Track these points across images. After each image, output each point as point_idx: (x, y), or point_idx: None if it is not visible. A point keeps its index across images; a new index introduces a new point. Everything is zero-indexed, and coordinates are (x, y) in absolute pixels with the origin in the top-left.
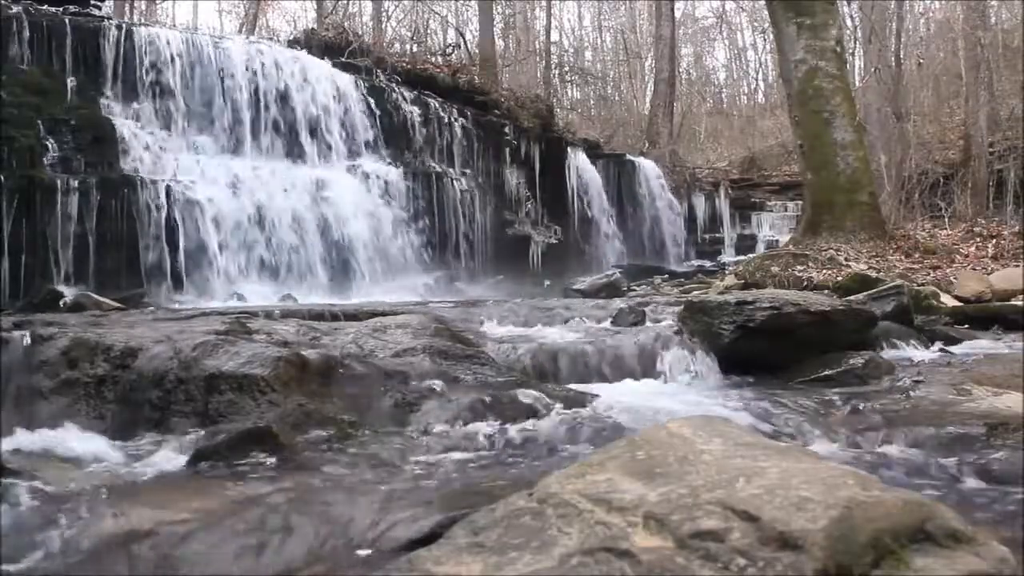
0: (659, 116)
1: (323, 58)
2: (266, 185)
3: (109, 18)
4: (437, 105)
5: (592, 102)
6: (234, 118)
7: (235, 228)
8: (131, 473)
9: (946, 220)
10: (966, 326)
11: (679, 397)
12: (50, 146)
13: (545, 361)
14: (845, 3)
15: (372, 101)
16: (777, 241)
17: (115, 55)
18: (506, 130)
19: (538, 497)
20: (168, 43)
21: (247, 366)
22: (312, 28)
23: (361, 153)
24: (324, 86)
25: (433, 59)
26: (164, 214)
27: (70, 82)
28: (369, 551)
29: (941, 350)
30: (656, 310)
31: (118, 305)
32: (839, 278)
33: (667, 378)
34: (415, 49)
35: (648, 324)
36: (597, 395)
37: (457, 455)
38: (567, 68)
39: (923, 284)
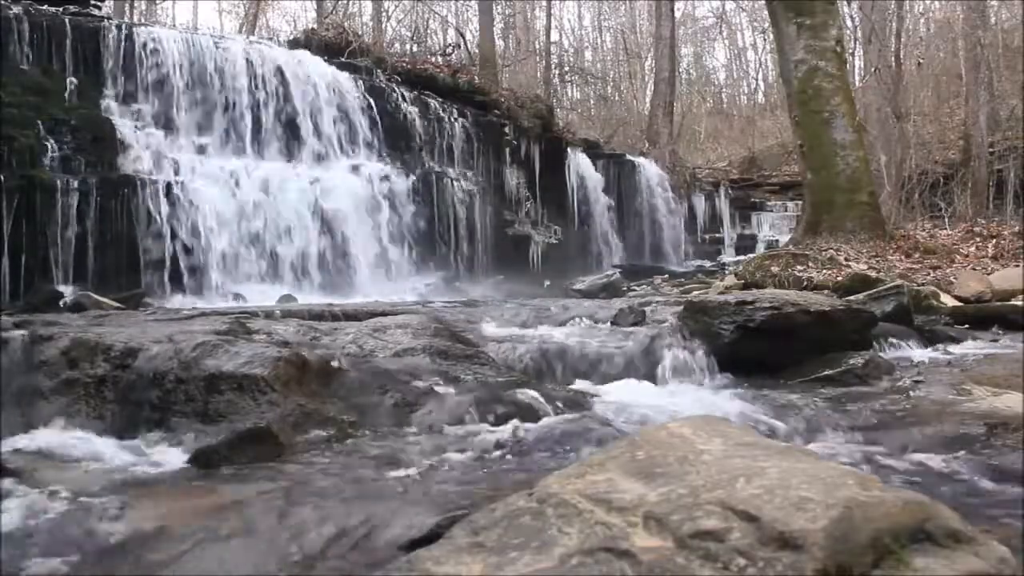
0: (659, 116)
1: (323, 58)
2: (266, 185)
3: (109, 18)
4: (437, 105)
5: (592, 102)
6: (234, 118)
7: (235, 228)
8: (131, 473)
9: (946, 220)
10: (966, 326)
11: (679, 397)
12: (50, 146)
13: (545, 361)
14: (845, 3)
15: (372, 101)
16: (777, 241)
17: (115, 55)
18: (506, 130)
19: (538, 497)
20: (168, 43)
21: (247, 366)
22: (312, 28)
23: (361, 153)
24: (324, 86)
25: (433, 59)
26: (164, 214)
27: (70, 82)
28: (369, 551)
29: (941, 350)
30: (656, 310)
31: (118, 305)
32: (839, 278)
33: (667, 378)
34: (415, 49)
35: (648, 324)
36: (597, 395)
37: (457, 455)
38: (567, 68)
39: (923, 284)
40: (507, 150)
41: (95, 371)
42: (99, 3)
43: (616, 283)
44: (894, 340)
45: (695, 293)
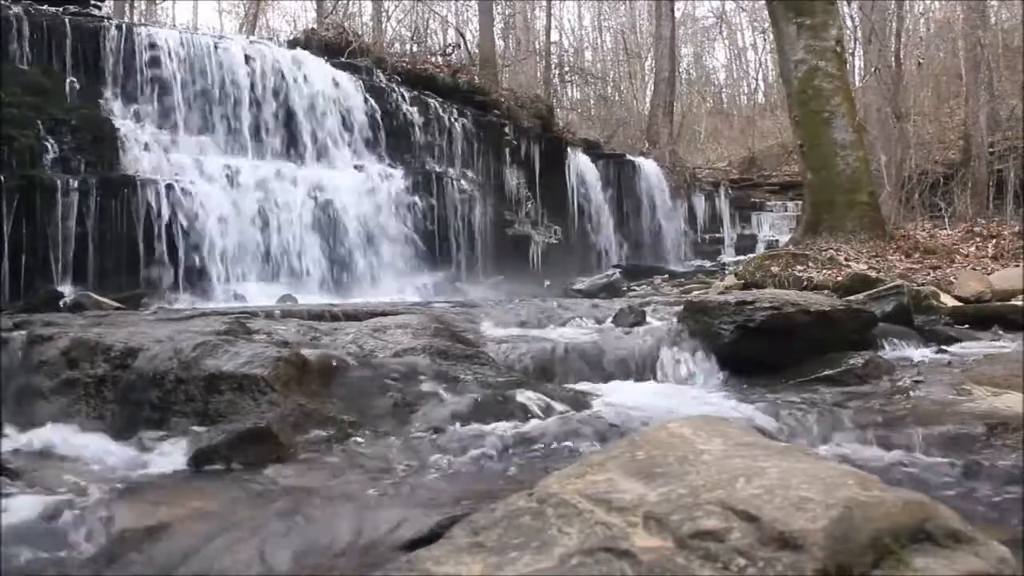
0: (659, 116)
1: (323, 58)
2: (266, 185)
3: (109, 18)
4: (437, 105)
5: (592, 102)
6: (234, 118)
7: (235, 228)
8: (131, 473)
9: (946, 220)
10: (966, 326)
11: (679, 397)
12: (50, 146)
13: (545, 361)
14: (845, 3)
15: (372, 101)
16: (777, 241)
17: (115, 55)
18: (506, 130)
19: (538, 497)
20: (168, 43)
21: (247, 366)
22: (312, 28)
23: (361, 153)
24: (324, 86)
25: (433, 59)
26: (164, 214)
27: (70, 82)
28: (369, 551)
29: (941, 350)
30: (656, 310)
31: (118, 305)
32: (839, 278)
33: (667, 378)
34: (415, 49)
35: (648, 324)
36: (597, 395)
37: (457, 455)
38: (567, 68)
39: (923, 284)
40: (507, 150)
41: (95, 371)
42: (99, 3)
43: (616, 283)
44: (894, 340)
45: (695, 293)
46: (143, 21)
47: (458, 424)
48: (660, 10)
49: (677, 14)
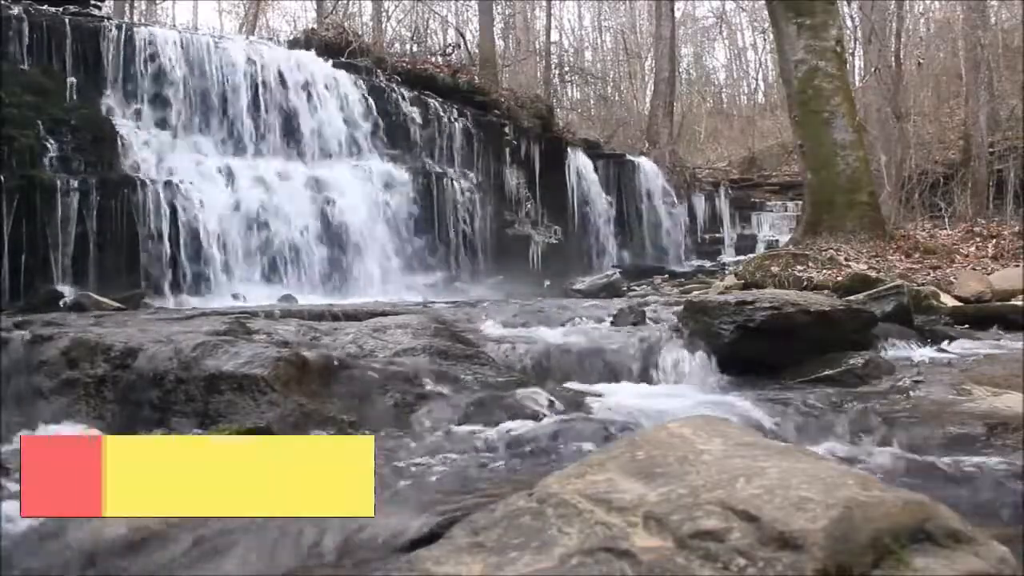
0: (659, 116)
1: (323, 58)
2: (266, 185)
3: (109, 18)
4: (437, 105)
5: (592, 102)
6: (234, 118)
7: (235, 228)
8: None
9: (946, 220)
10: (966, 326)
11: (679, 397)
12: (50, 146)
13: (545, 361)
14: (845, 3)
15: (372, 101)
16: (777, 241)
17: (115, 55)
18: (506, 130)
19: (538, 497)
20: (168, 43)
21: (247, 366)
22: (312, 28)
23: (361, 153)
24: (324, 86)
25: (433, 59)
26: (164, 214)
27: (70, 82)
28: (369, 551)
29: (941, 350)
30: (656, 310)
31: (118, 305)
32: (839, 278)
33: (667, 378)
34: (415, 49)
35: (648, 324)
36: (597, 395)
37: (457, 455)
38: (567, 68)
39: (923, 284)
40: (507, 150)
41: (95, 371)
42: (99, 3)
43: (616, 283)
44: (894, 340)
45: (695, 293)
46: (143, 21)
47: (458, 424)
48: (660, 10)
49: (677, 14)
